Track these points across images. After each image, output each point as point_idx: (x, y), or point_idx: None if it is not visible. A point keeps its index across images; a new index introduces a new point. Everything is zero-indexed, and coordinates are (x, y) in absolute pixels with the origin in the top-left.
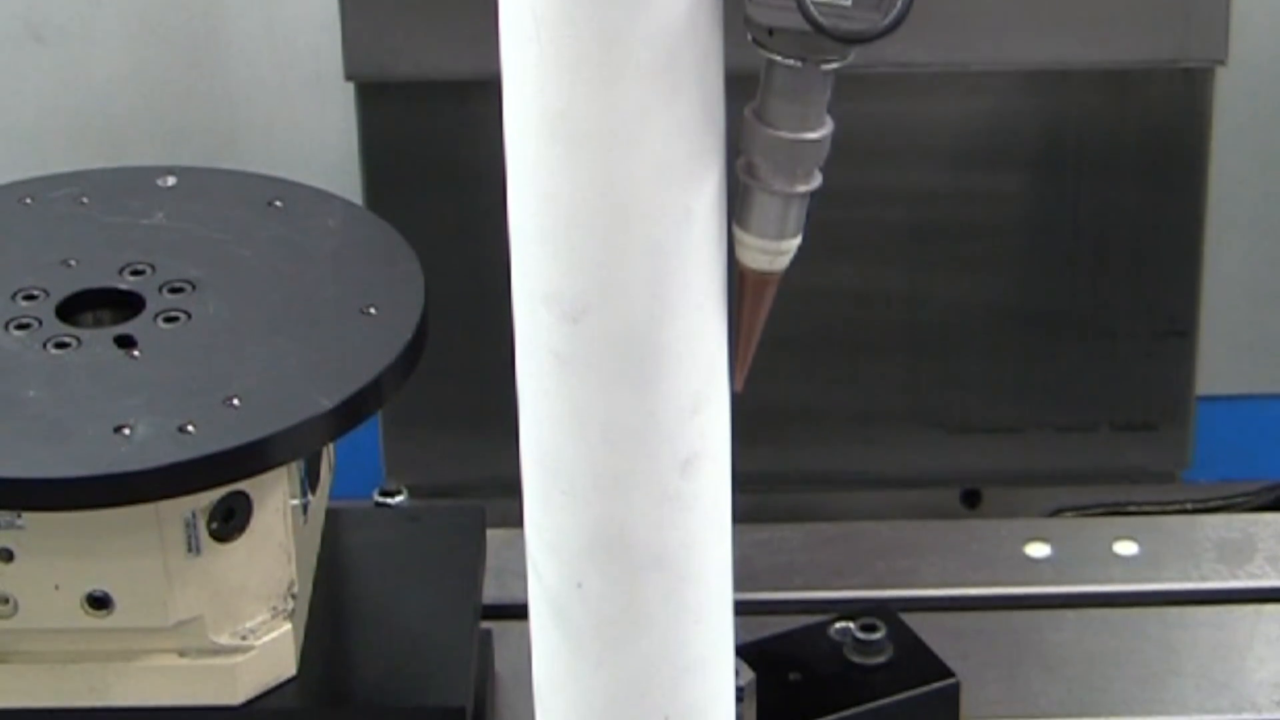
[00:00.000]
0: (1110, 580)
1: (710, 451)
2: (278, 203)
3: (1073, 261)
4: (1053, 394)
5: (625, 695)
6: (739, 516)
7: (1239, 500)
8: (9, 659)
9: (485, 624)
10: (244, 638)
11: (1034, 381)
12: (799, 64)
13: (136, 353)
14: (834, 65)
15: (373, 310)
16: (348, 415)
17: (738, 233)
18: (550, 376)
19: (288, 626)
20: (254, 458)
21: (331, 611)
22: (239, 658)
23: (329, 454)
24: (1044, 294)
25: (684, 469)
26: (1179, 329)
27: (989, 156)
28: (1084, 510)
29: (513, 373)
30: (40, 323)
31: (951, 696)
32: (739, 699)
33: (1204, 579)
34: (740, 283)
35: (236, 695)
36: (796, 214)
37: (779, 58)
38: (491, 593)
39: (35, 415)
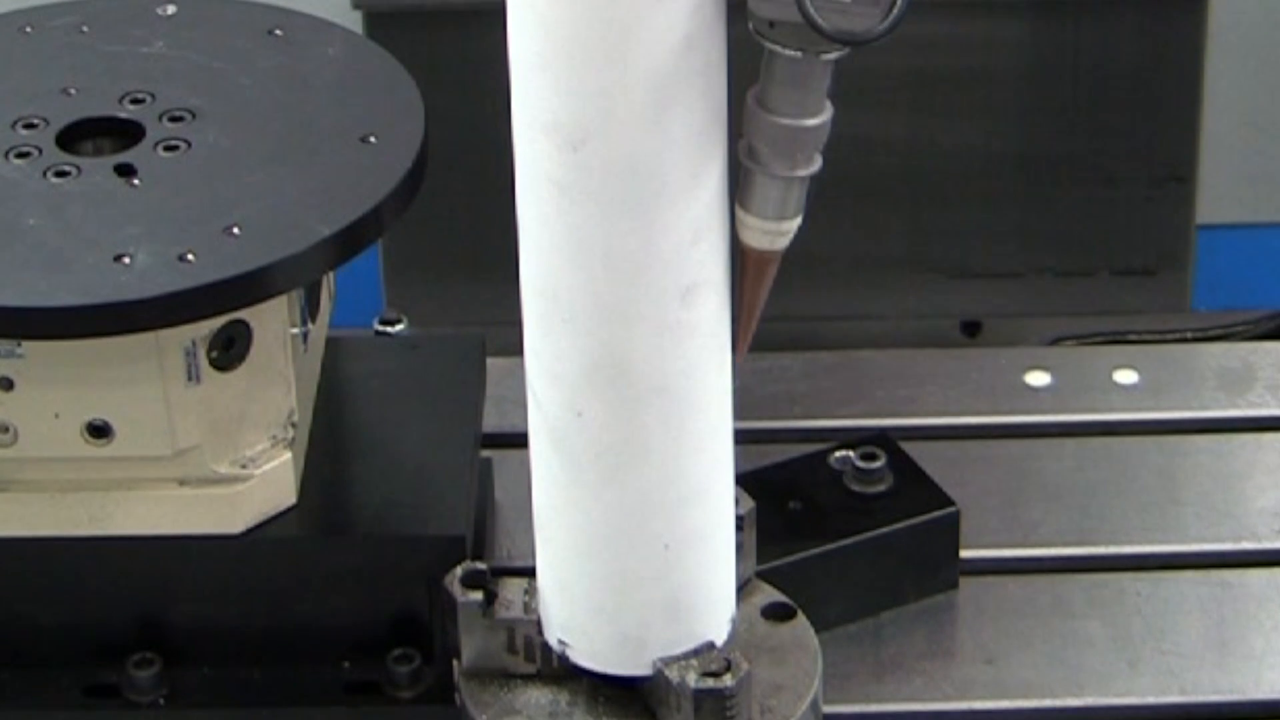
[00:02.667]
0: (1110, 409)
1: (710, 281)
2: (278, 31)
3: (1072, 108)
4: (1053, 239)
5: (625, 523)
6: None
7: (1239, 329)
8: (9, 488)
9: (485, 452)
10: (244, 466)
11: (1034, 227)
12: (799, 54)
13: (136, 181)
14: (834, 55)
15: (372, 139)
16: (347, 244)
17: (739, 213)
18: (550, 205)
19: (287, 455)
20: (253, 286)
21: (331, 440)
22: (239, 486)
23: (329, 283)
24: (1044, 140)
25: (684, 298)
26: (1178, 174)
27: (989, 2)
28: (1084, 339)
29: (512, 214)
30: (40, 151)
31: (951, 525)
32: (739, 527)
33: (1204, 407)
34: (742, 260)
35: (236, 524)
36: (797, 196)
37: (779, 48)
38: (491, 421)
39: (35, 244)
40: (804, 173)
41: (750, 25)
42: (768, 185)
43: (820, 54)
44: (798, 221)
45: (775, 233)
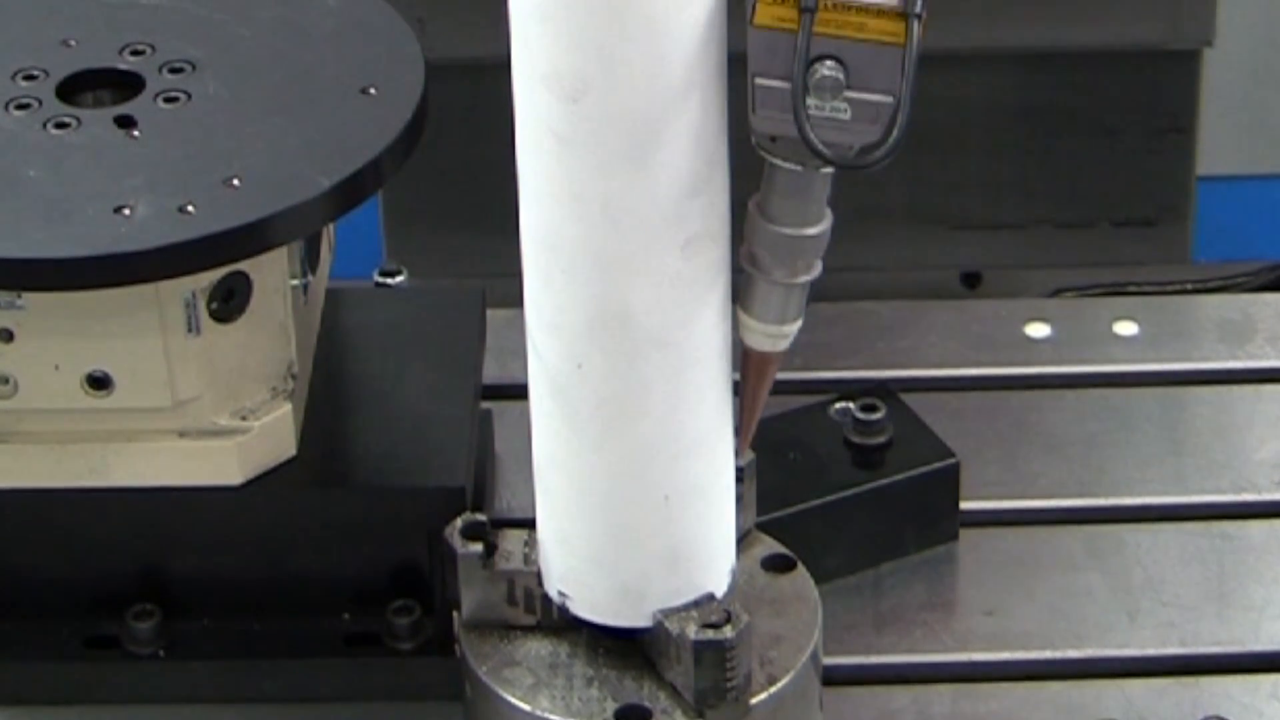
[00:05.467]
0: (1110, 360)
1: (711, 232)
2: None
3: (1074, 58)
4: (1053, 191)
5: (625, 475)
6: (739, 298)
7: (1239, 280)
8: (9, 439)
9: (485, 404)
10: (244, 418)
11: (1034, 178)
12: (800, 168)
13: (136, 133)
14: (833, 169)
15: (373, 90)
16: (347, 195)
17: (741, 317)
18: (550, 157)
19: (287, 407)
20: (253, 238)
21: (331, 392)
22: (239, 438)
23: (329, 234)
24: (1044, 91)
25: (684, 249)
26: (1179, 125)
27: None
28: (1084, 290)
29: (512, 166)
30: (40, 103)
31: (951, 476)
32: (739, 479)
33: (1204, 359)
34: (744, 360)
35: (236, 475)
36: (797, 301)
37: (781, 162)
38: (491, 372)
39: (35, 195)
40: (804, 279)
41: (752, 139)
42: (769, 291)
43: (820, 166)
44: (798, 324)
45: (777, 335)
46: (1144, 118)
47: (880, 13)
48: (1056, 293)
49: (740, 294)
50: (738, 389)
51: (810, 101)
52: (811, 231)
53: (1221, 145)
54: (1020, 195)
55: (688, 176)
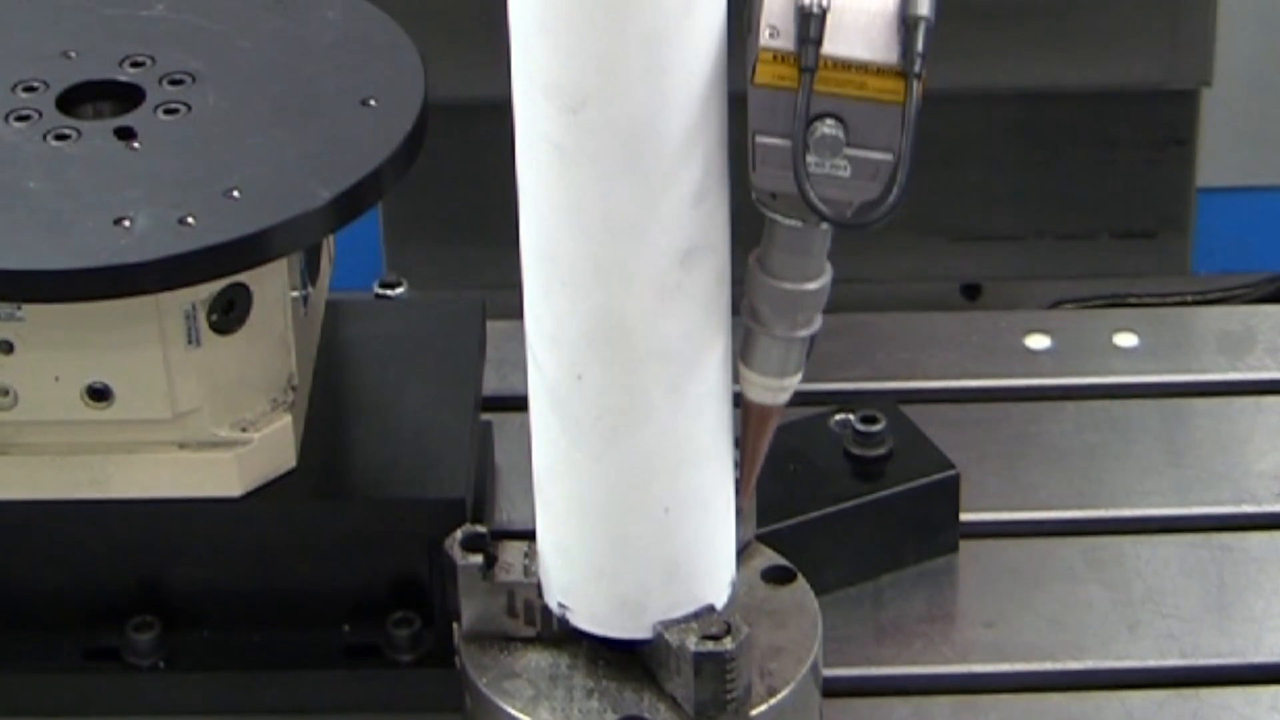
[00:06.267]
0: (1110, 372)
1: (711, 244)
2: None
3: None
4: (1053, 202)
5: (625, 486)
6: (738, 309)
7: (1239, 292)
8: (9, 451)
9: (485, 416)
10: (244, 429)
11: (1034, 190)
12: (800, 223)
13: (136, 144)
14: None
15: (373, 102)
16: (347, 207)
17: (742, 370)
18: (550, 168)
19: (287, 418)
20: (253, 249)
21: (331, 403)
22: (239, 450)
23: (329, 246)
24: (1044, 105)
25: (684, 261)
26: (1179, 137)
27: None
28: (1084, 302)
29: (512, 177)
30: (40, 114)
31: (951, 488)
32: (738, 491)
33: (1204, 370)
34: (744, 413)
35: (236, 487)
36: (797, 355)
37: (781, 218)
38: (491, 384)
39: (35, 207)
40: (804, 334)
41: (753, 195)
42: (770, 345)
43: (820, 222)
44: (799, 377)
45: (777, 389)
46: (1144, 129)
47: (880, 72)
48: (1056, 304)
49: (740, 347)
50: (738, 444)
51: (810, 159)
52: (811, 286)
53: (1221, 157)
54: (1020, 207)
55: (687, 188)
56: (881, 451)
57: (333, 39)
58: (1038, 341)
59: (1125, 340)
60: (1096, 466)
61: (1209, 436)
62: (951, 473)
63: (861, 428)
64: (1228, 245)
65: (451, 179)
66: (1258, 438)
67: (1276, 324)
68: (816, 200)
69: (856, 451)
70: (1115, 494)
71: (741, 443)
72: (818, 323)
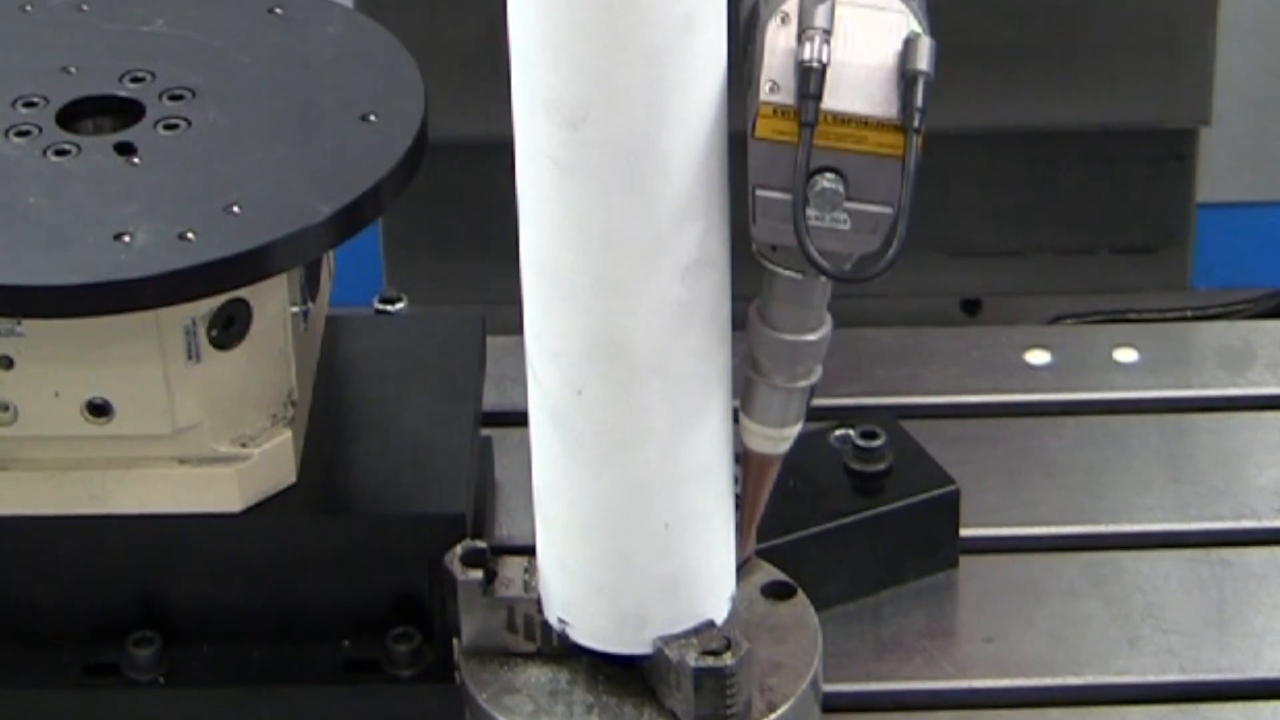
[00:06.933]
0: (1110, 387)
1: (710, 259)
2: (278, 10)
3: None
4: (1053, 217)
5: (625, 502)
6: (738, 324)
7: (1239, 307)
8: (9, 466)
9: (485, 431)
10: (244, 445)
11: (1034, 205)
12: (800, 275)
13: (136, 160)
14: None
15: (372, 118)
16: (346, 223)
17: (742, 420)
18: (550, 183)
19: (287, 434)
20: (253, 265)
21: (331, 419)
22: (239, 465)
23: (329, 261)
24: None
25: (684, 276)
26: (1179, 152)
27: None
28: (1084, 317)
29: (512, 193)
30: (40, 130)
31: (951, 503)
32: (738, 506)
33: (1204, 386)
34: (745, 462)
35: (236, 503)
36: (797, 405)
37: (781, 270)
38: (491, 399)
39: (35, 222)
40: (805, 384)
41: (753, 247)
42: (770, 395)
43: (820, 274)
44: (799, 427)
45: (777, 438)
46: (1143, 145)
47: (880, 126)
48: (1056, 319)
49: (741, 397)
50: (739, 501)
51: (810, 212)
52: (811, 337)
53: (1221, 172)
54: (1020, 222)
55: (687, 203)
56: (881, 467)
57: (333, 54)
58: (1038, 357)
59: (1125, 355)
60: (1096, 482)
61: (1209, 452)
62: (951, 488)
63: (861, 443)
64: (1228, 260)
65: (452, 194)
66: (1258, 453)
67: (1277, 339)
68: (816, 255)
69: (856, 467)
70: (1115, 509)
71: (742, 492)
72: (818, 373)
